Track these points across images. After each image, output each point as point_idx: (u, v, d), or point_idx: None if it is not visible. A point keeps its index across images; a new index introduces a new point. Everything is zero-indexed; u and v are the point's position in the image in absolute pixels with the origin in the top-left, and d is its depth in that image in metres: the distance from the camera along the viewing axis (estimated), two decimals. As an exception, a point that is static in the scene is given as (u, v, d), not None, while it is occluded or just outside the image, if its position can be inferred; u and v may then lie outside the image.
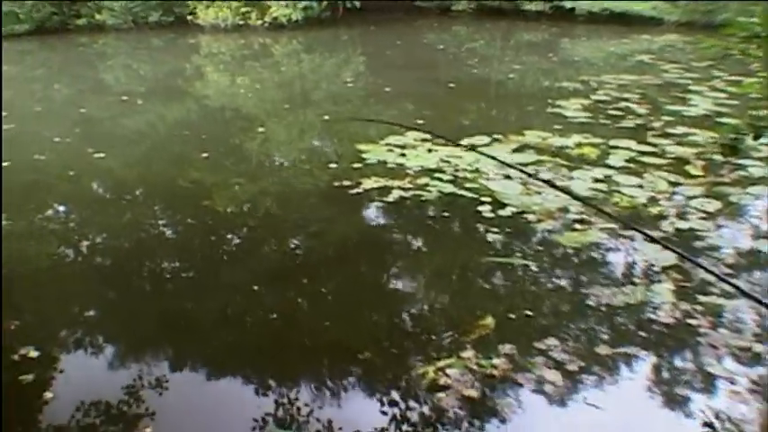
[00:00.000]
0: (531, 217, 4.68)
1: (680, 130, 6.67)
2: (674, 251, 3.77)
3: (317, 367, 3.13)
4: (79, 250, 4.51)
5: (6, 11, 13.96)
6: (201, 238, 4.68)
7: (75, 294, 3.97)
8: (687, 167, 5.61)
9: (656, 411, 2.84)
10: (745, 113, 4.97)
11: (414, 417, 2.78)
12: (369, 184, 5.36)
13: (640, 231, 3.64)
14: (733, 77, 8.52)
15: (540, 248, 4.26)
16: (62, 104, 9.23)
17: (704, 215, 4.66)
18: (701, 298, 3.55)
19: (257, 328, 3.52)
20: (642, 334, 3.29)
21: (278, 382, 3.04)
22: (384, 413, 2.81)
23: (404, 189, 5.25)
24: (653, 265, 3.93)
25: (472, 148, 6.05)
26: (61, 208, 5.48)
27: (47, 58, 12.97)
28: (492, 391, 2.89)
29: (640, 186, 5.19)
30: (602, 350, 3.18)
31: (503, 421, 2.75)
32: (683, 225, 4.50)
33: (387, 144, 6.38)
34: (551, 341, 3.22)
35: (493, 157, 5.31)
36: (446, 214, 4.82)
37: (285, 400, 2.92)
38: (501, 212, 4.75)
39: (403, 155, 6.07)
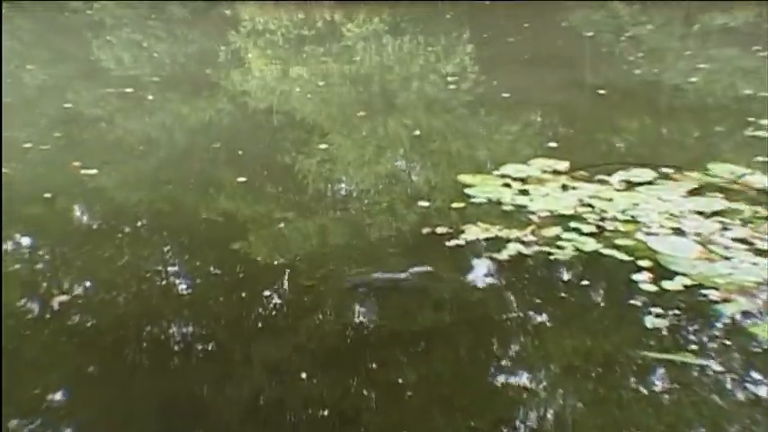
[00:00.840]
0: (712, 294, 4.63)
1: None
2: None
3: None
4: (48, 305, 4.65)
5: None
6: (228, 295, 4.81)
7: (39, 368, 4.04)
8: None
9: None
10: None
11: None
12: (474, 232, 5.47)
13: None
14: None
15: (727, 342, 4.21)
16: (38, 95, 9.61)
17: None
18: None
19: (302, 430, 3.61)
20: None
21: None
22: None
23: (524, 243, 5.32)
24: None
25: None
26: (27, 241, 5.68)
27: (18, 27, 13.44)
28: None
29: None
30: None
31: None
32: None
33: (502, 175, 6.51)
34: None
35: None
36: (585, 282, 4.86)
37: None
38: (667, 285, 4.74)
39: (524, 192, 6.18)
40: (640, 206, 5.84)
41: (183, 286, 5.05)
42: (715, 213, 5.68)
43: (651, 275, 4.85)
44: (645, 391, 3.85)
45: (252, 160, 7.15)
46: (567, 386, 3.95)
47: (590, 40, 12.29)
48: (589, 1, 15.20)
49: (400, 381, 3.95)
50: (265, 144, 7.82)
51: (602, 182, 6.29)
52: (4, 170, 6.82)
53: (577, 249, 5.23)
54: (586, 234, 5.43)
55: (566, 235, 5.42)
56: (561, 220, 5.67)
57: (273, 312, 4.67)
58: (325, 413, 3.71)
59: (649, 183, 6.26)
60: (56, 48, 11.85)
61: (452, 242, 5.35)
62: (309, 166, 7.13)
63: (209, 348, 4.26)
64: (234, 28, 13.29)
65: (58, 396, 3.86)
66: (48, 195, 6.31)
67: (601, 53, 11.56)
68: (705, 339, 4.26)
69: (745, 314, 4.44)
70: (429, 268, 4.95)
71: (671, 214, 5.68)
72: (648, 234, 5.41)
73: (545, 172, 6.56)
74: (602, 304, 4.73)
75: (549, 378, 4.02)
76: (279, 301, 4.78)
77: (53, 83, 10.10)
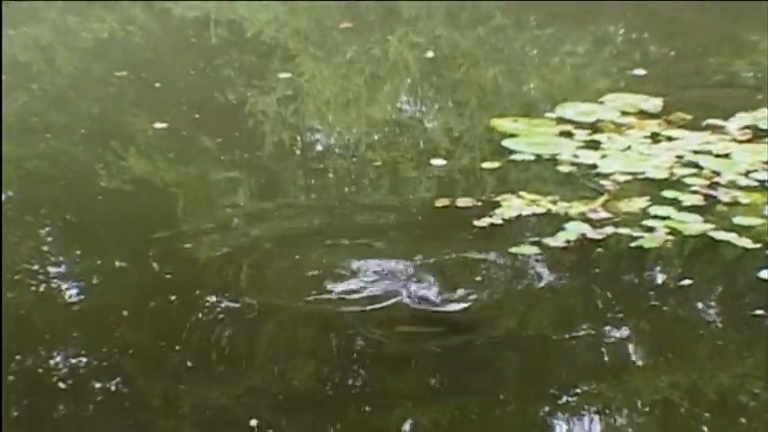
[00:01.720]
0: None
1: None
2: None
3: None
4: None
5: None
6: (141, 311, 4.73)
7: None
8: None
9: None
10: None
11: None
12: (515, 206, 5.43)
13: None
14: None
15: None
16: None
17: None
18: None
19: None
20: None
21: None
22: None
23: (593, 223, 5.28)
24: None
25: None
26: None
27: None
28: None
29: None
30: None
31: None
32: None
33: (560, 120, 6.51)
34: None
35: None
36: (686, 282, 4.82)
37: None
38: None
39: (594, 144, 6.16)
40: (770, 165, 5.82)
41: (72, 294, 4.96)
42: None
43: (789, 272, 4.83)
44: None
45: (175, 97, 7.10)
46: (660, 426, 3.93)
47: None
48: None
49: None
50: (197, 72, 7.77)
51: (713, 129, 6.26)
52: None
53: (675, 232, 5.18)
54: (689, 209, 5.40)
55: (657, 210, 5.38)
56: (650, 187, 5.66)
57: (210, 340, 4.56)
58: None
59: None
60: None
61: (482, 221, 5.31)
62: (265, 106, 7.13)
63: (113, 390, 4.17)
64: None
65: None
66: None
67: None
68: None
69: None
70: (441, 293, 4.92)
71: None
72: (787, 209, 5.40)
73: (626, 114, 6.53)
74: (714, 316, 4.69)
75: (634, 425, 3.97)
76: (225, 319, 4.68)
77: None
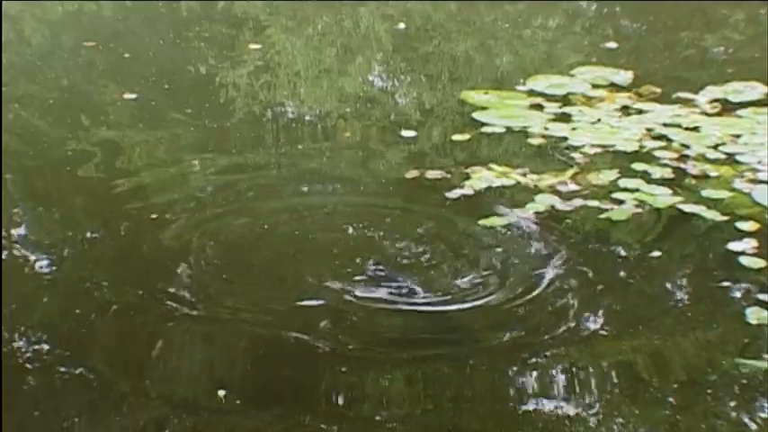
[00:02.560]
0: None
1: None
2: None
3: None
4: None
5: None
6: (111, 296, 4.65)
7: None
8: None
9: None
10: None
11: None
12: (485, 178, 5.45)
13: None
14: None
15: None
16: None
17: None
18: None
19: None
20: None
21: None
22: None
23: (562, 195, 5.30)
24: None
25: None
26: None
27: None
28: None
29: None
30: None
31: None
32: None
33: (530, 92, 6.52)
34: None
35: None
36: (655, 254, 4.85)
37: None
38: (781, 257, 4.75)
39: (564, 117, 6.19)
40: (743, 139, 5.84)
41: (43, 266, 4.95)
42: None
43: (756, 245, 4.82)
44: (745, 418, 3.83)
45: (145, 68, 7.09)
46: (629, 413, 3.89)
47: None
48: None
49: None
50: (167, 44, 7.75)
51: (683, 102, 6.29)
52: None
53: (644, 204, 5.22)
54: (658, 181, 5.43)
55: (626, 183, 5.41)
56: (620, 159, 5.69)
57: (180, 331, 4.49)
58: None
59: (755, 103, 6.25)
60: None
61: (452, 193, 5.33)
62: (236, 78, 7.14)
63: (82, 363, 4.16)
64: None
65: None
66: None
67: None
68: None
69: None
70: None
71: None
72: (754, 182, 5.41)
73: (597, 87, 6.55)
74: (683, 289, 4.71)
75: (604, 402, 3.95)
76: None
77: None
